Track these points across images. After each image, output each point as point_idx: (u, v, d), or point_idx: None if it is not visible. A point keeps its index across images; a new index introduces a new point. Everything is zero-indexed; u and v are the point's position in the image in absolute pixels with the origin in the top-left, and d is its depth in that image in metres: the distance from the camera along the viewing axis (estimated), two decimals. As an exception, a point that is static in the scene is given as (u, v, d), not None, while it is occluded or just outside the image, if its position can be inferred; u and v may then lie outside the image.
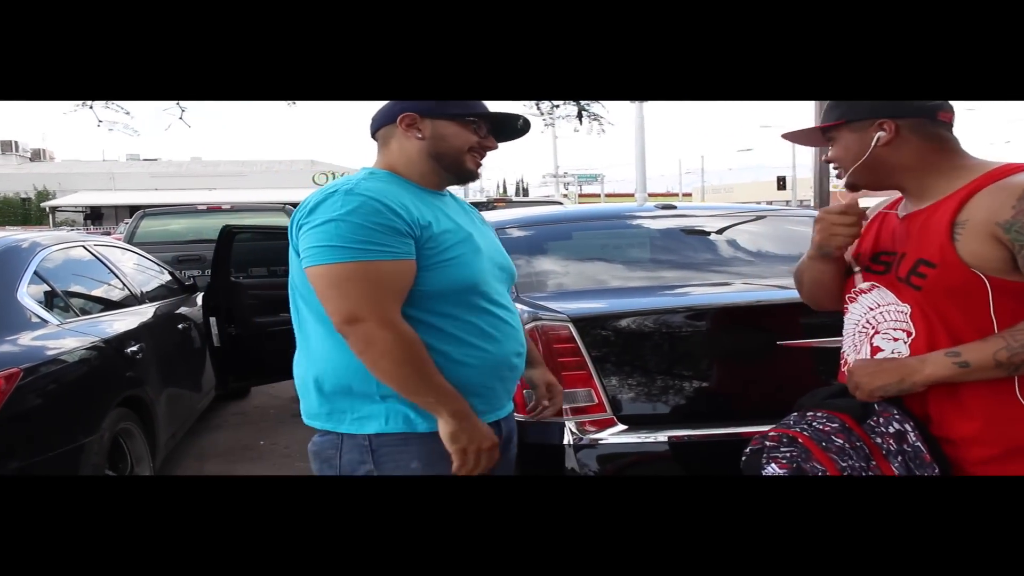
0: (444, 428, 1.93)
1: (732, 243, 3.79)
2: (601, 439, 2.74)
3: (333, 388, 1.98)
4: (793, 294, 3.03)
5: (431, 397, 1.92)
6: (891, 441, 1.78)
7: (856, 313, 1.96)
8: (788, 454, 1.84)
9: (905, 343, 1.82)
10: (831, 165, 1.96)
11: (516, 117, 2.17)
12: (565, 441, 2.72)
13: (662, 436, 2.78)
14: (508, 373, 2.11)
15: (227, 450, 5.55)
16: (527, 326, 2.62)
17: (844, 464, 1.77)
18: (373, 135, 2.16)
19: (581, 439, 2.73)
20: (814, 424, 1.86)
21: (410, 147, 2.07)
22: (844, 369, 1.97)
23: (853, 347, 1.96)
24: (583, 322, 2.79)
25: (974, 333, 1.73)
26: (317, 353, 2.01)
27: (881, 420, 1.81)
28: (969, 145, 1.87)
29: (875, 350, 1.88)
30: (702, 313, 3.00)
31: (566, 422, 2.73)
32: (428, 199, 2.05)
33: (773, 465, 1.85)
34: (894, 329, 1.84)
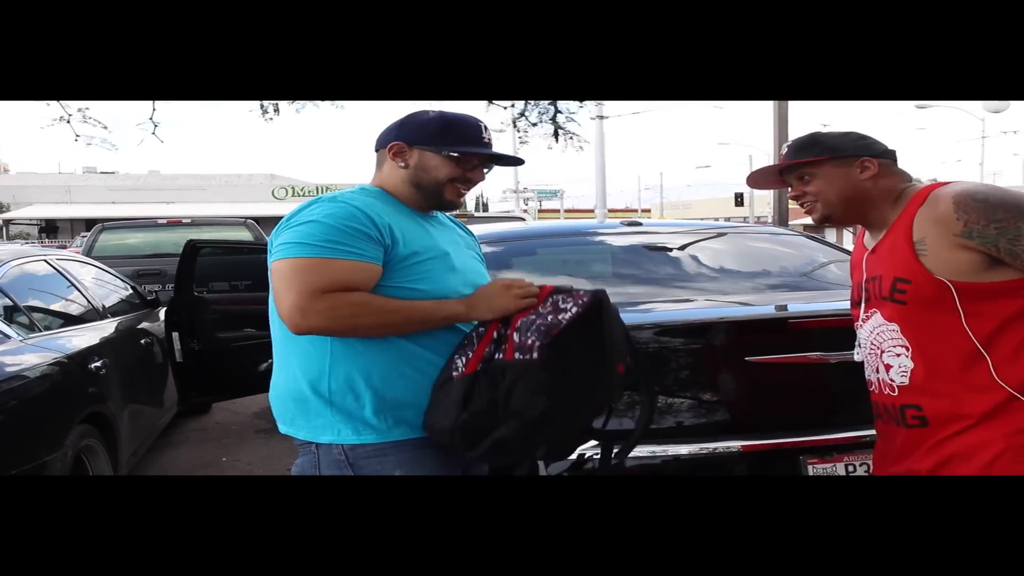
0: (463, 319, 2.04)
1: (695, 259, 3.84)
2: (571, 456, 2.75)
3: (296, 395, 2.02)
4: (757, 310, 3.08)
5: (420, 317, 1.98)
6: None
7: (863, 337, 2.14)
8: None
9: (907, 356, 2.00)
10: (803, 201, 2.13)
11: (507, 157, 2.25)
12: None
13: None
14: None
15: (189, 467, 5.50)
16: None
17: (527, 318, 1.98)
18: (377, 150, 2.24)
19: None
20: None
21: (396, 173, 2.15)
22: (871, 389, 2.14)
23: (871, 367, 2.14)
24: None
25: (952, 334, 1.90)
26: (289, 363, 2.05)
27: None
28: (921, 165, 1.99)
29: (887, 367, 2.06)
30: (667, 329, 3.03)
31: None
32: (415, 218, 2.14)
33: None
34: (894, 346, 2.03)
